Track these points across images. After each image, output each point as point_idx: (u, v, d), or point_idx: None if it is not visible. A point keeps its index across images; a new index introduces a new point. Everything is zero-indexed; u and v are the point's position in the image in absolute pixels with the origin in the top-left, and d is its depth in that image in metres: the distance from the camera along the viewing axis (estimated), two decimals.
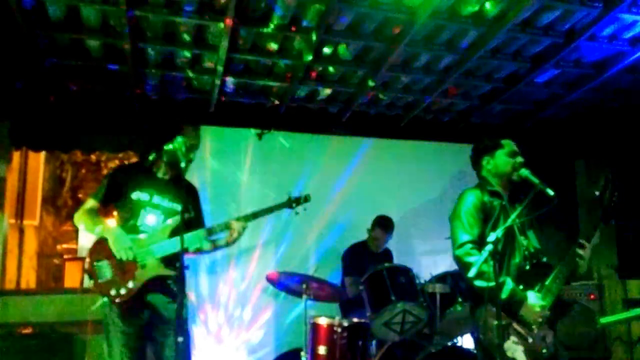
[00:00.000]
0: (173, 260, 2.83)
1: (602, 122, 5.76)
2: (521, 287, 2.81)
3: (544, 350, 2.71)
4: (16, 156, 5.83)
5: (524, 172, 2.96)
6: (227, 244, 3.15)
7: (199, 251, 3.18)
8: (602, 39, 4.25)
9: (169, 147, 2.96)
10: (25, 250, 6.49)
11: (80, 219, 3.00)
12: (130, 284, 2.83)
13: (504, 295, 2.68)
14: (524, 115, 5.75)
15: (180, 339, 2.54)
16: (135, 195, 2.99)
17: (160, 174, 3.11)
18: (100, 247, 2.89)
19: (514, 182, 3.04)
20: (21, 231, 6.38)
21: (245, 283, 5.27)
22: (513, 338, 2.69)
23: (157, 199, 3.02)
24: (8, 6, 3.53)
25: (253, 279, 5.24)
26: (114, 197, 3.04)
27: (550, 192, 2.70)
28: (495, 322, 2.54)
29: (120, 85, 4.74)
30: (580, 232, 2.88)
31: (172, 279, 2.91)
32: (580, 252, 2.79)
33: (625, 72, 4.69)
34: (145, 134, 4.91)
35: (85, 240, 9.90)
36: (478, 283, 2.72)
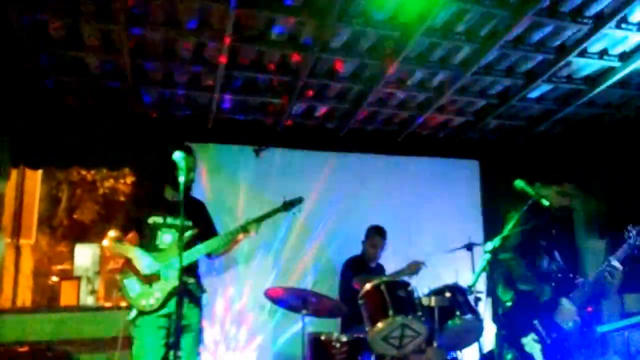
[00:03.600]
0: (191, 270, 3.38)
1: (594, 136, 5.84)
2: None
3: (558, 356, 2.80)
4: (13, 175, 5.85)
5: (519, 183, 3.01)
6: (229, 250, 3.63)
7: (219, 255, 3.66)
8: (592, 55, 4.34)
9: (172, 176, 3.18)
10: (22, 269, 6.47)
11: (109, 245, 3.40)
12: (158, 294, 3.24)
13: (542, 298, 2.82)
14: (519, 131, 5.82)
15: (200, 346, 3.23)
16: (152, 220, 3.42)
17: (169, 197, 3.50)
18: (127, 267, 3.31)
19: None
20: (17, 250, 6.36)
21: (243, 299, 5.25)
22: (533, 336, 2.77)
23: (170, 220, 3.43)
24: (9, 23, 3.58)
25: (251, 294, 5.23)
26: (134, 226, 3.48)
27: (546, 203, 2.76)
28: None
29: (119, 102, 4.79)
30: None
31: (192, 284, 3.41)
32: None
33: (616, 87, 4.78)
34: (143, 151, 4.99)
35: (81, 261, 9.89)
36: (520, 286, 3.08)
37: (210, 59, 4.21)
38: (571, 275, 3.13)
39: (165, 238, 3.40)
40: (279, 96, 4.85)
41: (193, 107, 5.04)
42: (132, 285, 3.27)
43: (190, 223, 3.39)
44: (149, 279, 3.26)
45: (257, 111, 5.19)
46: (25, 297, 6.67)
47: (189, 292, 3.35)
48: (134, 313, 3.26)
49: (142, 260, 3.25)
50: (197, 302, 3.45)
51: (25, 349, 4.27)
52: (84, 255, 9.45)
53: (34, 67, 4.15)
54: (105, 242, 3.42)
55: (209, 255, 3.58)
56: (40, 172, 6.44)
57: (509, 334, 3.11)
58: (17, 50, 3.89)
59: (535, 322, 2.72)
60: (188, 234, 3.31)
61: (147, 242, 3.39)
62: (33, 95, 4.61)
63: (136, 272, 3.27)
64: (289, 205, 3.66)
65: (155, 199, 3.52)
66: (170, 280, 3.25)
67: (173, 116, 5.15)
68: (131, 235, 3.49)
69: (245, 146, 5.52)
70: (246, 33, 3.93)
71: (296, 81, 4.52)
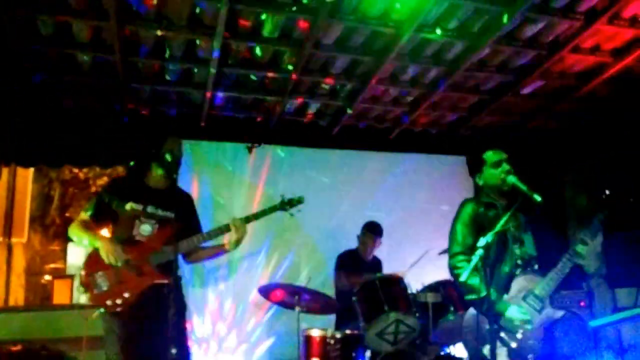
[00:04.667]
0: (168, 269, 2.86)
1: (587, 132, 5.86)
2: (506, 296, 2.88)
3: (530, 356, 2.79)
4: (4, 174, 5.80)
5: (511, 179, 3.02)
6: (229, 248, 3.12)
7: (198, 258, 3.26)
8: (584, 51, 4.35)
9: (159, 155, 3.04)
10: (14, 267, 6.43)
11: (72, 231, 3.04)
12: (126, 294, 2.85)
13: (483, 308, 2.78)
14: (512, 127, 5.83)
15: (173, 351, 2.55)
16: (129, 206, 3.02)
17: (152, 184, 3.15)
18: (95, 259, 2.90)
19: (507, 191, 3.11)
20: (9, 249, 6.32)
21: (236, 296, 5.25)
22: (497, 343, 2.75)
23: (150, 209, 3.05)
24: None
25: (244, 291, 5.23)
26: (106, 210, 3.06)
27: (538, 198, 2.77)
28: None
29: (110, 100, 4.76)
30: (570, 238, 2.95)
31: (167, 287, 2.85)
32: (580, 252, 2.85)
33: (608, 82, 4.80)
34: (135, 149, 4.95)
35: (74, 259, 9.84)
36: (467, 297, 2.93)
37: (202, 55, 4.19)
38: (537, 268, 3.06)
39: (143, 229, 3.01)
40: (272, 93, 4.83)
41: (185, 105, 5.02)
42: (99, 281, 2.87)
43: (172, 215, 3.05)
44: (118, 276, 2.88)
45: (250, 108, 5.18)
46: (17, 296, 6.63)
47: (162, 295, 2.82)
48: (96, 313, 2.91)
49: (109, 250, 2.85)
50: (170, 306, 2.76)
51: (18, 348, 4.23)
52: (77, 253, 9.40)
53: (24, 64, 4.11)
54: (74, 225, 3.03)
55: (185, 256, 3.20)
56: (31, 170, 6.40)
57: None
58: (7, 47, 3.86)
59: (487, 327, 2.66)
60: (171, 226, 2.98)
61: (121, 231, 3.02)
62: (24, 93, 4.57)
63: (104, 267, 2.88)
64: (288, 204, 3.29)
65: (136, 183, 3.14)
66: (144, 279, 2.90)
67: (165, 113, 5.12)
68: (103, 222, 3.12)
69: (238, 143, 5.51)
70: (238, 30, 3.91)
71: (289, 78, 4.51)
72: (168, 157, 3.03)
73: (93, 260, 2.92)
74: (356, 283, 4.34)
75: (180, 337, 2.84)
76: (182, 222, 3.01)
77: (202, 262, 3.42)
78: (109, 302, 2.84)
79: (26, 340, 4.34)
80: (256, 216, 3.16)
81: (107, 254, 2.86)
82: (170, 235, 2.97)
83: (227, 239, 3.10)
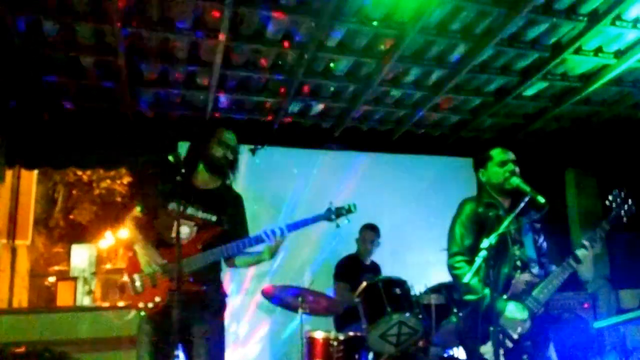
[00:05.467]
0: (204, 275, 2.82)
1: (590, 133, 5.86)
2: (505, 296, 2.88)
3: (524, 356, 2.78)
4: (9, 175, 5.83)
5: (515, 180, 3.00)
6: (266, 257, 2.94)
7: (235, 265, 3.07)
8: (587, 52, 4.35)
9: (206, 150, 2.95)
10: (18, 269, 6.45)
11: (127, 227, 2.97)
12: (157, 299, 2.77)
13: (481, 308, 2.77)
14: (514, 128, 5.83)
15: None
16: (171, 206, 2.86)
17: (199, 183, 3.00)
18: (134, 261, 2.85)
19: (510, 192, 3.10)
20: (13, 251, 6.35)
21: (240, 297, 5.24)
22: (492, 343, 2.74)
23: (191, 210, 2.89)
24: (3, 23, 3.57)
25: (248, 293, 5.23)
26: (154, 207, 2.94)
27: (541, 200, 2.75)
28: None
29: (114, 102, 4.78)
30: (573, 240, 2.94)
31: (201, 295, 2.82)
32: (579, 256, 2.84)
33: (611, 84, 4.79)
34: (139, 151, 4.97)
35: (77, 261, 9.87)
36: (465, 297, 2.91)
37: (206, 58, 4.21)
38: (535, 271, 3.04)
39: (182, 231, 2.78)
40: (275, 95, 4.84)
41: (189, 107, 5.03)
42: (136, 283, 2.82)
43: (214, 218, 2.90)
44: (153, 278, 2.80)
45: (253, 110, 5.19)
46: (21, 298, 6.65)
47: (201, 300, 2.82)
48: (131, 314, 2.85)
49: (146, 256, 2.79)
50: (214, 311, 2.88)
51: (21, 349, 4.25)
52: (81, 255, 9.44)
53: (28, 67, 4.13)
54: (128, 219, 2.95)
55: (228, 261, 3.03)
56: (35, 172, 6.43)
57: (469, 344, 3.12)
58: (12, 50, 3.88)
59: (491, 328, 2.65)
60: (212, 230, 2.86)
61: (161, 232, 2.89)
62: (28, 95, 4.59)
63: (138, 269, 2.82)
64: (335, 213, 2.98)
65: (181, 182, 2.80)
66: (178, 282, 2.71)
67: (169, 116, 5.14)
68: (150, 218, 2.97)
69: (241, 145, 5.50)
70: (241, 32, 3.93)
71: (292, 80, 4.52)
72: (216, 152, 2.92)
73: (134, 262, 2.85)
74: (354, 297, 4.34)
75: (215, 337, 2.84)
76: (226, 225, 2.90)
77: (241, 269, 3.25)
78: (141, 305, 2.78)
79: (30, 342, 4.36)
80: (297, 225, 2.88)
81: (145, 263, 2.79)
82: (208, 240, 2.84)
83: (262, 247, 2.90)
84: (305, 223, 2.89)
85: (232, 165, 3.04)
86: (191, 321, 2.81)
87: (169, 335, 2.72)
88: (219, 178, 3.04)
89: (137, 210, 2.96)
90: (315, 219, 2.92)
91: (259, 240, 2.83)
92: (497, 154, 3.17)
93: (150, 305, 2.78)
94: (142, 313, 2.82)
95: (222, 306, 2.97)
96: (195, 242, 2.84)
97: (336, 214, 2.98)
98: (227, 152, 3.03)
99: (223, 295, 3.00)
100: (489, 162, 3.17)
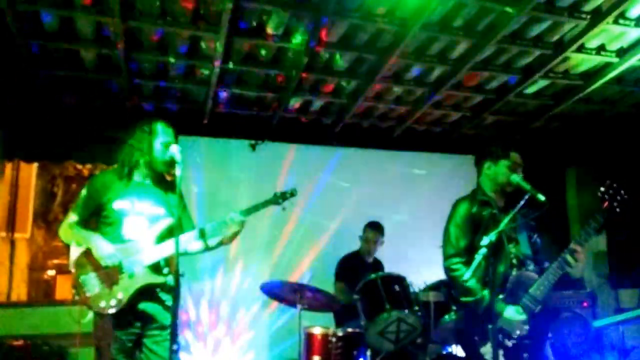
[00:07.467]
0: (162, 267, 2.86)
1: (591, 132, 5.84)
2: (501, 296, 2.87)
3: (525, 355, 2.78)
4: (8, 169, 5.82)
5: (515, 178, 3.01)
6: (225, 242, 3.07)
7: (194, 252, 3.12)
8: (590, 50, 4.33)
9: (137, 145, 2.98)
10: (17, 263, 6.44)
11: (62, 234, 2.95)
12: (120, 295, 2.74)
13: (479, 310, 2.79)
14: (515, 126, 5.81)
15: (175, 347, 2.57)
16: (116, 204, 2.88)
17: (138, 178, 3.00)
18: (86, 260, 2.80)
19: (509, 190, 3.10)
20: (12, 244, 6.34)
21: (238, 293, 5.24)
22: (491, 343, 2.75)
23: (139, 206, 2.91)
24: (2, 16, 3.54)
25: (246, 288, 5.22)
26: (94, 208, 2.92)
27: (542, 198, 2.75)
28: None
29: (114, 96, 4.76)
30: (572, 238, 2.92)
31: (161, 287, 2.87)
32: (571, 257, 2.82)
33: (613, 82, 4.77)
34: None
35: (77, 255, 9.86)
36: (463, 299, 2.94)
37: (206, 52, 4.18)
38: (531, 268, 3.03)
39: (133, 227, 2.85)
40: (275, 90, 4.82)
41: (188, 101, 5.01)
42: (90, 282, 2.75)
43: (162, 211, 2.94)
44: (111, 277, 2.75)
45: (253, 105, 5.17)
46: (20, 291, 6.64)
47: (156, 295, 2.85)
48: (90, 315, 2.79)
49: (103, 250, 2.74)
50: (166, 306, 2.87)
51: (20, 342, 4.25)
52: (80, 249, 9.42)
53: (27, 60, 4.11)
54: (64, 227, 2.91)
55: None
56: (35, 165, 6.41)
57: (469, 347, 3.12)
58: (11, 43, 3.86)
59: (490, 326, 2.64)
60: (162, 223, 2.89)
61: (109, 230, 2.86)
62: (27, 88, 4.57)
63: (96, 268, 2.77)
64: (281, 197, 3.23)
65: (122, 178, 2.95)
66: (137, 278, 2.78)
67: (168, 110, 5.12)
68: (92, 220, 2.94)
69: (241, 140, 5.50)
70: (242, 27, 3.90)
71: (292, 75, 4.49)
72: (152, 144, 2.94)
73: (85, 261, 2.80)
74: (351, 297, 4.33)
75: (175, 337, 2.71)
76: (173, 217, 2.87)
77: (198, 255, 3.30)
78: (102, 304, 2.72)
79: (28, 336, 4.36)
80: (249, 211, 3.06)
81: (102, 257, 2.75)
82: (161, 233, 2.88)
83: (223, 233, 3.04)
84: (256, 208, 3.12)
85: (172, 158, 2.89)
86: (154, 314, 2.83)
87: (133, 330, 2.80)
88: (155, 172, 3.03)
89: (73, 215, 2.92)
90: (265, 204, 3.17)
91: (221, 226, 3.01)
92: (515, 157, 3.16)
93: (112, 303, 2.72)
94: (92, 315, 2.77)
95: (178, 296, 2.89)
96: (147, 236, 2.86)
97: (282, 197, 3.26)
98: (165, 147, 2.98)
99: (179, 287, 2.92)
100: (503, 160, 3.14)
